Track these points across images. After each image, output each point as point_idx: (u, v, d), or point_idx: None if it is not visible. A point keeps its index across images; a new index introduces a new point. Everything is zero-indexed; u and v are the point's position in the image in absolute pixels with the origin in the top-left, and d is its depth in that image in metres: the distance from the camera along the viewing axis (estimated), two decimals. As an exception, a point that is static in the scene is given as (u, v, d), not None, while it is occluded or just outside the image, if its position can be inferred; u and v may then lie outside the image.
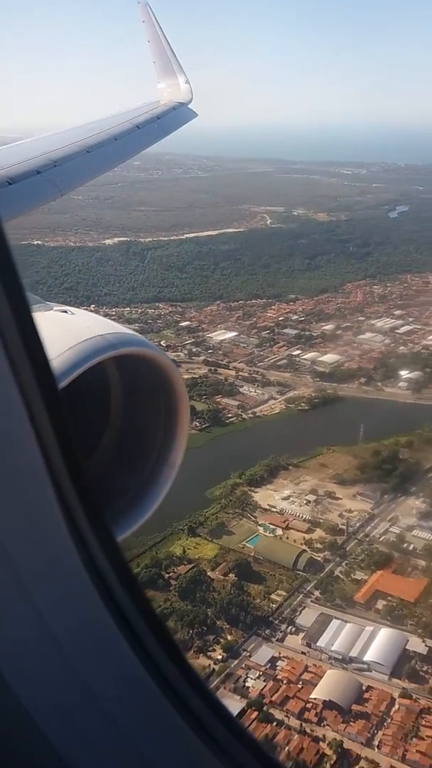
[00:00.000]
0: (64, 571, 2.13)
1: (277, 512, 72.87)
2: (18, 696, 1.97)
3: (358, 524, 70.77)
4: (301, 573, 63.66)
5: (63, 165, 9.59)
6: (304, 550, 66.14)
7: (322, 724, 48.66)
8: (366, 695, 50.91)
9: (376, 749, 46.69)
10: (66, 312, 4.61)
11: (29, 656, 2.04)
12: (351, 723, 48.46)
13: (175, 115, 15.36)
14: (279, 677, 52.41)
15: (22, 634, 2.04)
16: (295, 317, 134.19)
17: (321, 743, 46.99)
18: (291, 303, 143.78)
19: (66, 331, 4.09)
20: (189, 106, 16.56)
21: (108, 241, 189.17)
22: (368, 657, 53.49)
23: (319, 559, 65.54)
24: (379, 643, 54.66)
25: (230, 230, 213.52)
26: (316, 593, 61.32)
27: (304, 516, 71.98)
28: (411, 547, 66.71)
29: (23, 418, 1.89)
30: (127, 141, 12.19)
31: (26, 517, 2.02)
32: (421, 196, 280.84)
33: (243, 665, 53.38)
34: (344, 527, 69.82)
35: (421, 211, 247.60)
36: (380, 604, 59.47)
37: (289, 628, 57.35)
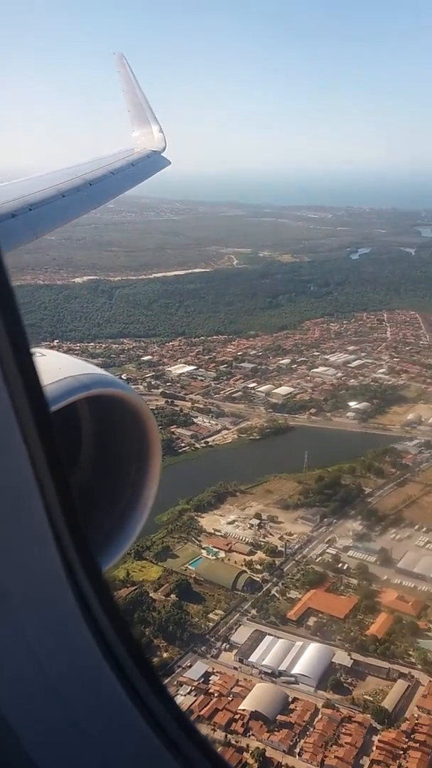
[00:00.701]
0: (50, 594, 2.19)
1: (221, 536, 75.55)
2: None
3: (296, 546, 73.70)
4: (239, 593, 66.09)
5: (38, 208, 9.79)
6: (244, 571, 68.75)
7: (247, 734, 50.64)
8: (291, 706, 53.12)
9: (297, 756, 48.75)
10: (37, 353, 4.81)
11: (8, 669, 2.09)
12: (275, 732, 50.52)
13: (149, 163, 15.94)
14: (210, 691, 54.38)
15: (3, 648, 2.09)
16: (253, 352, 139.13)
17: (244, 753, 48.86)
18: (251, 339, 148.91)
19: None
20: (162, 154, 17.14)
21: (77, 280, 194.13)
22: (296, 670, 55.89)
23: (258, 579, 68.11)
24: (307, 657, 57.13)
25: (197, 270, 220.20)
26: (253, 611, 63.68)
27: (247, 539, 74.75)
28: (345, 567, 69.76)
29: (21, 450, 1.96)
30: (102, 186, 12.58)
31: (18, 541, 2.08)
32: (382, 238, 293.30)
33: (176, 681, 55.26)
34: (283, 549, 72.59)
35: (381, 253, 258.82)
36: (311, 620, 62.11)
37: (224, 645, 59.56)
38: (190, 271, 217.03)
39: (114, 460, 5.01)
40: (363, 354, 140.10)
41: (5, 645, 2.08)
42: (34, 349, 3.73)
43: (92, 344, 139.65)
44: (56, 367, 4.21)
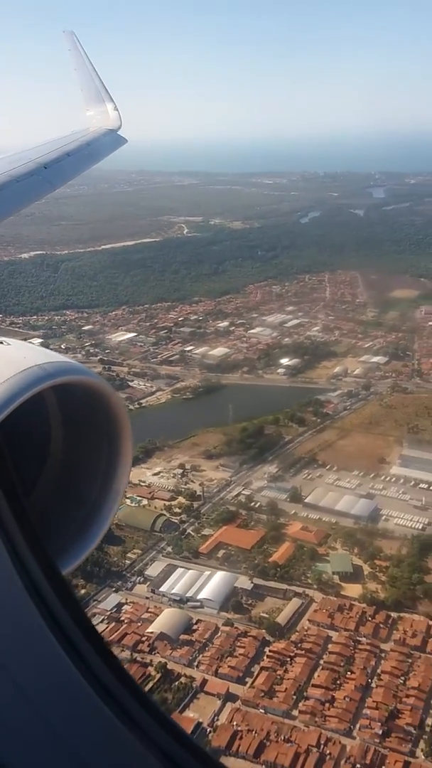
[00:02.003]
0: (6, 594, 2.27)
1: (145, 486, 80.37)
2: None
3: (215, 490, 79.00)
4: (157, 534, 71.27)
5: None
6: (162, 514, 73.85)
7: (153, 653, 56.14)
8: (195, 627, 58.69)
9: (195, 668, 54.45)
10: (1, 342, 4.47)
11: None
12: (178, 649, 56.10)
13: (105, 142, 15.68)
14: (122, 619, 59.69)
15: None
16: (194, 317, 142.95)
17: (148, 667, 54.37)
18: (193, 305, 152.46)
19: (2, 362, 4.02)
20: (118, 132, 16.83)
21: (24, 255, 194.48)
22: (201, 595, 61.43)
23: (176, 521, 73.34)
24: (213, 584, 62.70)
25: (147, 240, 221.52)
26: (168, 549, 69.01)
27: (169, 487, 79.77)
28: (257, 505, 75.32)
29: None
30: (58, 169, 12.36)
31: None
32: (334, 201, 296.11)
33: (90, 613, 60.28)
34: (201, 494, 77.86)
35: (331, 216, 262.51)
36: (221, 553, 67.68)
37: (138, 578, 64.82)
38: (139, 241, 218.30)
39: (84, 449, 4.95)
40: (300, 314, 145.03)
41: None
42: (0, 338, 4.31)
43: (35, 317, 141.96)
44: (21, 356, 4.19)
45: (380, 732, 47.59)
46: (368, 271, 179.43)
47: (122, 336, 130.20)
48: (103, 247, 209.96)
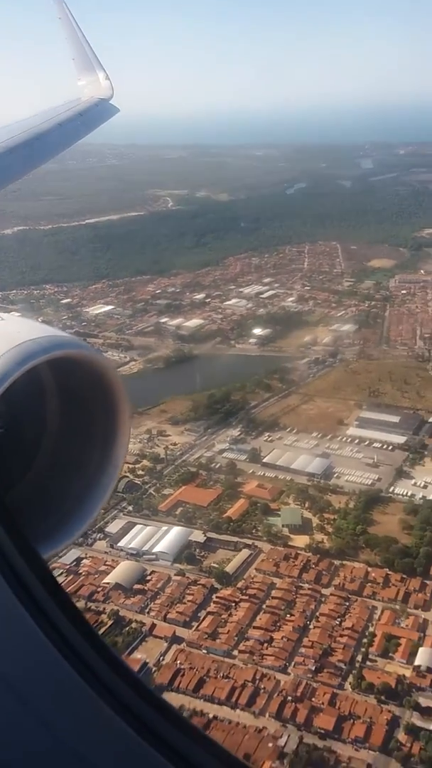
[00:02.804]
0: None
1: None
2: None
3: (178, 453, 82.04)
4: (119, 494, 74.39)
5: None
6: (126, 476, 76.88)
7: (107, 602, 59.59)
8: (148, 577, 62.17)
9: (146, 614, 57.94)
10: None
11: None
12: (131, 598, 59.56)
13: (98, 111, 15.56)
14: (80, 572, 63.10)
15: None
16: (171, 290, 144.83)
17: (102, 615, 57.84)
18: (172, 277, 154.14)
19: None
20: (110, 101, 16.74)
21: (6, 231, 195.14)
22: (156, 549, 64.81)
23: (139, 482, 76.49)
24: (168, 538, 66.07)
25: (132, 214, 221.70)
26: (129, 508, 72.26)
27: (135, 451, 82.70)
28: (217, 466, 78.46)
29: None
30: (50, 139, 12.22)
31: None
32: (321, 172, 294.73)
33: (49, 566, 63.75)
34: (165, 457, 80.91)
35: (316, 187, 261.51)
36: (179, 510, 70.90)
37: (98, 535, 68.11)
38: (123, 215, 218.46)
39: (81, 422, 4.92)
40: (277, 285, 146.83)
41: None
42: None
43: (14, 292, 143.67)
44: (15, 330, 4.18)
45: (313, 668, 51.17)
46: (348, 241, 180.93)
47: (99, 309, 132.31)
48: (87, 221, 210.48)
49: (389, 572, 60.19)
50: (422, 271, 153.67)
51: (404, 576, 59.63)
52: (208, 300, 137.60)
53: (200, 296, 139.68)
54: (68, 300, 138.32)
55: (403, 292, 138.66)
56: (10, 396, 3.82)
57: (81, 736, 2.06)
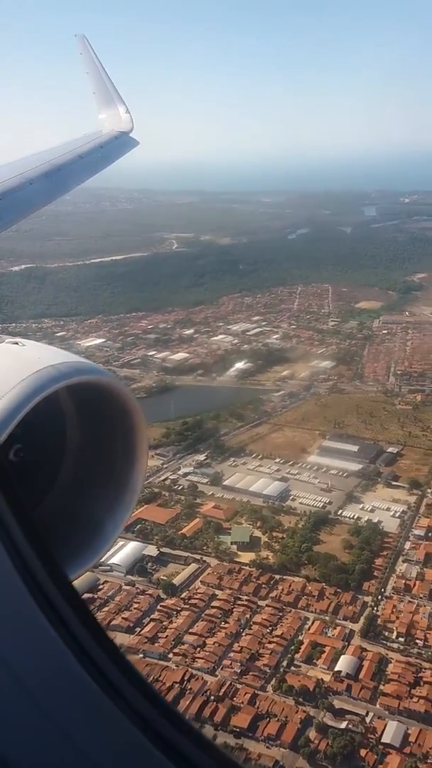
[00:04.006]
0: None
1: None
2: None
3: (146, 475, 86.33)
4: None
5: (8, 197, 9.87)
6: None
7: (59, 606, 63.37)
8: (100, 586, 65.99)
9: (93, 618, 61.54)
10: (17, 343, 4.54)
11: None
12: (81, 603, 63.28)
13: (118, 144, 15.84)
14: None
15: None
16: (163, 325, 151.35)
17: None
18: (166, 314, 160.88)
19: (18, 363, 4.12)
20: (130, 134, 17.06)
21: (15, 268, 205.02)
22: (111, 561, 68.70)
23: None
24: (124, 552, 70.01)
25: (136, 254, 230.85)
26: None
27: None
28: (180, 488, 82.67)
29: None
30: (71, 171, 12.43)
31: None
32: (325, 219, 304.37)
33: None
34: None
35: (319, 232, 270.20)
36: (137, 527, 74.90)
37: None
38: (127, 255, 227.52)
39: (99, 448, 4.95)
40: (264, 323, 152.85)
41: None
42: (16, 339, 4.64)
43: (13, 324, 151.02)
44: (36, 357, 4.24)
45: (239, 671, 54.41)
46: (341, 284, 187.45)
47: (91, 342, 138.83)
48: (92, 261, 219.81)
49: (325, 586, 63.53)
50: (407, 313, 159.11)
51: (338, 590, 62.91)
52: (196, 336, 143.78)
53: (189, 332, 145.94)
54: (63, 333, 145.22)
55: (384, 332, 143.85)
56: (31, 421, 3.87)
57: (89, 734, 2.17)
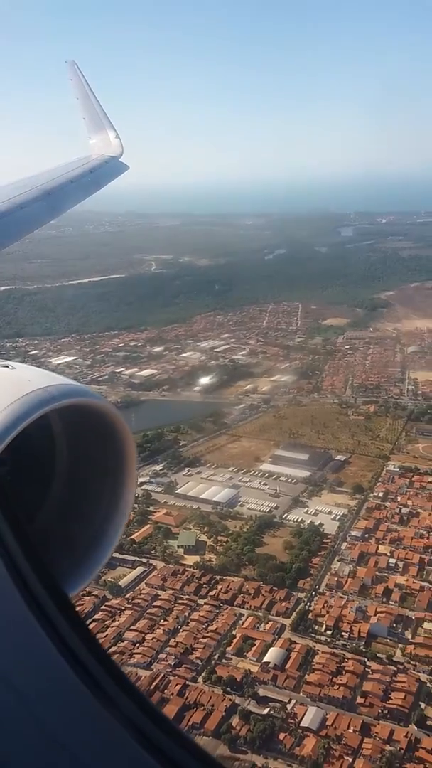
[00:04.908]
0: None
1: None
2: None
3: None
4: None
5: None
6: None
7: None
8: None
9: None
10: (7, 366, 4.51)
11: None
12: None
13: (108, 168, 15.98)
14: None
15: None
16: (134, 343, 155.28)
17: None
18: (138, 333, 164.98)
19: (8, 385, 4.10)
20: (120, 159, 17.23)
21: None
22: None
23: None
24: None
25: (114, 276, 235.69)
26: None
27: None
28: (135, 496, 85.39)
29: None
30: (61, 195, 12.44)
31: None
32: (302, 240, 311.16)
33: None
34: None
35: (295, 253, 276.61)
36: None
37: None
38: (105, 277, 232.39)
39: (89, 471, 4.95)
40: (232, 340, 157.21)
41: None
42: (6, 362, 4.64)
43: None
44: (26, 379, 4.23)
45: (173, 664, 57.18)
46: (311, 302, 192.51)
47: (62, 359, 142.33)
48: (70, 282, 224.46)
49: (262, 585, 66.55)
50: (371, 329, 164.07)
51: (274, 588, 65.94)
52: (165, 353, 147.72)
53: (159, 349, 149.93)
54: (35, 351, 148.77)
55: (347, 347, 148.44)
56: (21, 442, 3.85)
57: (82, 741, 2.17)
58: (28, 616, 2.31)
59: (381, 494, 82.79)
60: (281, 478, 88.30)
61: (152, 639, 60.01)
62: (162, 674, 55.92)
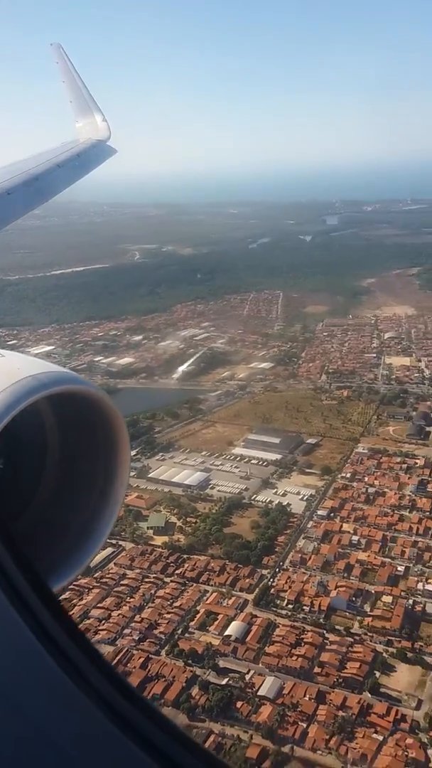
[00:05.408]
0: None
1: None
2: None
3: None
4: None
5: None
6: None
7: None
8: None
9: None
10: None
11: None
12: None
13: (95, 152, 15.76)
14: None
15: None
16: (113, 333, 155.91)
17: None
18: (119, 322, 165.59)
19: None
20: (108, 142, 17.01)
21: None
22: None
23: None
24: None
25: (97, 266, 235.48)
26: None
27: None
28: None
29: None
30: (49, 180, 12.33)
31: None
32: (287, 228, 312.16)
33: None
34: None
35: (280, 242, 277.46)
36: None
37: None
38: (88, 267, 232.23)
39: (81, 458, 4.88)
40: (212, 328, 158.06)
41: None
42: None
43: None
44: (15, 367, 4.18)
45: (137, 638, 58.67)
46: (292, 290, 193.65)
47: (41, 349, 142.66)
48: (53, 272, 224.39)
49: (227, 563, 68.10)
50: (350, 316, 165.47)
51: (239, 565, 67.51)
52: (144, 342, 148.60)
53: (138, 338, 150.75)
54: (15, 341, 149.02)
55: (325, 334, 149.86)
56: (11, 431, 3.80)
57: (65, 731, 2.16)
58: (10, 610, 2.34)
59: (348, 475, 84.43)
60: (252, 461, 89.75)
61: (118, 615, 61.46)
62: (126, 648, 57.41)
